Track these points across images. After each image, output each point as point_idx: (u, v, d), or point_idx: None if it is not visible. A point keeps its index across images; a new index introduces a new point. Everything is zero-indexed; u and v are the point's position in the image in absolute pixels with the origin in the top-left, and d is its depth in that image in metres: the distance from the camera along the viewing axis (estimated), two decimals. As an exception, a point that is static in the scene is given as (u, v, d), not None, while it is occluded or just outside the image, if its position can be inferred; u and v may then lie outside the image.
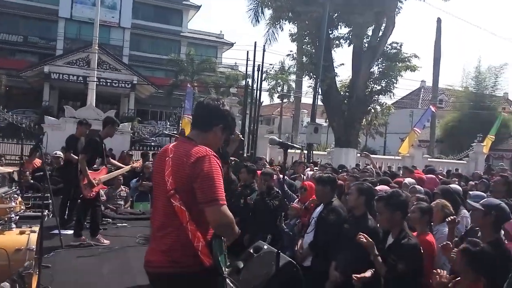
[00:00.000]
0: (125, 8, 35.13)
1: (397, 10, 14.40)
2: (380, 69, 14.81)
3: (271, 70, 16.43)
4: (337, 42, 14.84)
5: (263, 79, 17.66)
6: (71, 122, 14.02)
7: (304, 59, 15.00)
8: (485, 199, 3.35)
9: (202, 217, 2.09)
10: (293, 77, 28.31)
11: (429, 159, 19.13)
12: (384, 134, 30.58)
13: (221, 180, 2.12)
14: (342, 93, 15.40)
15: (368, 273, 3.31)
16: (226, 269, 2.21)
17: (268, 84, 16.69)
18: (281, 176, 6.41)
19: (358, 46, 14.27)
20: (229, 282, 2.18)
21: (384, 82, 14.54)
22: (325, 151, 20.04)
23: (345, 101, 14.88)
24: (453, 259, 2.93)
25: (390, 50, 14.70)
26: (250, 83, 15.70)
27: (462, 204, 4.90)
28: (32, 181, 8.47)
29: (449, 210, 3.97)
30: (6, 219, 3.94)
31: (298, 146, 3.29)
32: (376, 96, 15.51)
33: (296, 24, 14.81)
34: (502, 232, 3.22)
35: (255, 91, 15.78)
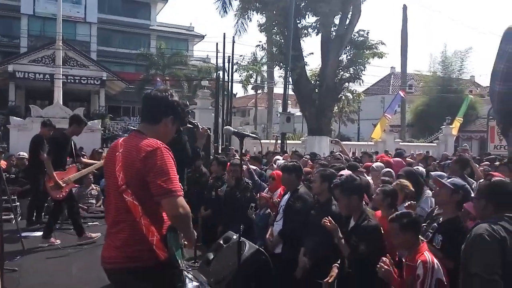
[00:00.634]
0: (90, 2, 34.16)
1: (363, -3, 14.54)
2: (349, 57, 14.98)
3: (241, 62, 16.30)
4: (305, 31, 14.90)
5: (235, 70, 17.60)
6: (38, 122, 13.58)
7: (273, 49, 15.00)
8: (452, 179, 3.43)
9: (156, 211, 2.08)
10: (265, 67, 28.32)
11: (400, 143, 19.55)
12: (358, 121, 31.03)
13: (175, 171, 2.11)
14: (312, 82, 15.51)
15: (334, 271, 3.38)
16: (184, 262, 2.21)
17: (240, 76, 16.66)
18: (251, 166, 6.46)
19: (326, 35, 14.38)
20: (187, 274, 2.18)
21: (353, 70, 14.70)
22: (299, 140, 20.24)
23: (316, 89, 14.99)
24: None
25: (357, 38, 14.88)
26: (221, 75, 15.68)
27: (426, 185, 5.08)
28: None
29: (408, 189, 4.08)
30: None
31: (254, 135, 3.28)
32: (346, 84, 15.72)
33: (264, 15, 14.78)
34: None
35: (227, 83, 15.77)
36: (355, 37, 14.91)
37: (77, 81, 28.56)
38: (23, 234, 6.49)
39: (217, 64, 16.55)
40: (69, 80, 27.88)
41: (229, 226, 5.59)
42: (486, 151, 17.61)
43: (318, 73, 15.64)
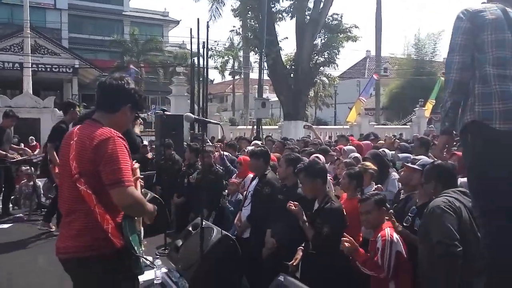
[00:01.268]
0: (59, -12, 33.11)
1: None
2: (323, 41, 15.00)
3: (215, 47, 16.13)
4: (279, 15, 14.81)
5: (210, 56, 17.41)
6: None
7: (248, 34, 14.88)
8: (421, 160, 3.50)
9: (110, 199, 2.05)
10: (242, 53, 28.13)
11: (375, 126, 19.86)
12: (334, 105, 31.30)
13: (127, 161, 2.08)
14: (288, 67, 15.50)
15: (299, 254, 3.44)
16: (141, 249, 2.20)
17: (215, 62, 16.48)
18: (222, 152, 6.46)
19: (300, 19, 14.34)
20: (145, 261, 2.18)
21: (327, 54, 14.74)
22: (276, 125, 20.30)
23: (291, 74, 15.00)
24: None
25: (332, 21, 14.88)
26: (196, 61, 15.46)
27: (393, 166, 5.19)
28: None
29: (372, 169, 4.16)
30: None
31: (214, 122, 3.26)
32: (322, 68, 15.77)
33: (238, -1, 14.62)
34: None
35: (203, 69, 15.57)
36: (329, 21, 14.92)
37: (48, 69, 27.78)
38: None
39: (191, 50, 16.28)
40: (40, 69, 27.08)
41: (200, 212, 5.66)
42: (458, 132, 18.02)
43: (293, 58, 15.61)
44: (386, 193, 4.08)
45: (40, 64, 27.00)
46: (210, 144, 6.62)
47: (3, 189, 6.96)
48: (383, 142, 8.16)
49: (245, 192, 4.77)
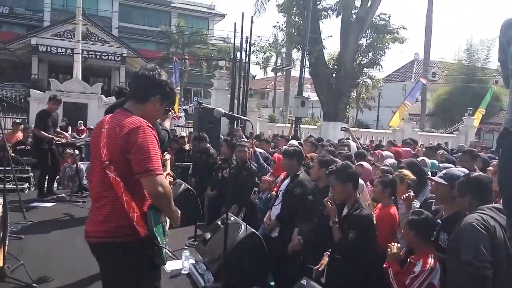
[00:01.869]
0: (113, -22, 34.26)
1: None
2: (368, 41, 14.65)
3: (258, 43, 16.12)
4: (325, 13, 14.58)
5: (252, 51, 17.44)
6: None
7: (292, 31, 14.76)
8: (446, 172, 3.34)
9: (138, 188, 2.09)
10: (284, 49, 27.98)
11: (419, 133, 19.24)
12: (377, 108, 30.56)
13: (157, 150, 2.11)
14: (330, 66, 15.26)
15: (325, 259, 3.40)
16: (165, 239, 2.23)
17: (256, 57, 16.44)
18: (256, 149, 6.46)
19: (346, 17, 14.06)
20: (167, 252, 2.20)
21: (372, 55, 14.38)
22: (315, 125, 20.09)
23: (333, 74, 14.76)
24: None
25: (378, 21, 14.49)
26: (239, 55, 15.52)
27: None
28: (13, 154, 8.42)
29: (410, 179, 4.00)
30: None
31: (244, 118, 3.23)
32: (366, 69, 15.42)
33: (283, -6, 14.54)
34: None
35: (244, 64, 15.63)
36: (376, 20, 14.53)
37: (98, 56, 28.90)
38: (34, 204, 6.73)
39: (234, 44, 16.39)
40: (90, 56, 28.23)
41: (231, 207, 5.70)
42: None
43: (337, 57, 15.34)
44: (422, 202, 3.95)
45: (90, 51, 28.14)
46: (246, 140, 6.63)
47: (49, 169, 7.27)
48: (419, 150, 7.87)
49: (276, 191, 4.74)
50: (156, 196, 2.07)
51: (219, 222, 4.50)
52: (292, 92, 31.50)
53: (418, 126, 22.59)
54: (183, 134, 8.91)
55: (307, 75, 15.47)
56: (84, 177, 8.35)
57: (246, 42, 15.52)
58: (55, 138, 7.09)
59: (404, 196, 3.72)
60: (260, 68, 25.06)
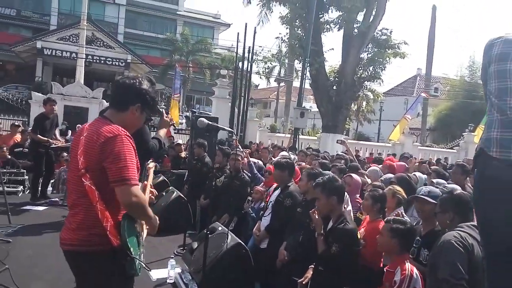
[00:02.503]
0: (120, -16, 34.60)
1: (388, -5, 14.20)
2: (369, 56, 14.71)
3: (260, 53, 16.23)
4: (327, 26, 14.67)
5: (257, 61, 17.53)
6: (59, 99, 13.89)
7: (294, 42, 14.84)
8: (429, 190, 3.33)
9: (113, 197, 2.08)
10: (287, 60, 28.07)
11: (419, 147, 19.20)
12: (379, 121, 30.56)
13: (133, 159, 2.10)
14: (331, 78, 15.32)
15: (309, 272, 3.39)
16: (139, 250, 2.21)
17: (257, 67, 16.49)
18: (251, 159, 6.45)
19: (348, 31, 14.15)
20: (141, 263, 2.18)
21: (372, 69, 14.44)
22: (315, 136, 20.08)
23: (334, 86, 14.81)
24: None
25: (380, 36, 14.57)
26: (247, 64, 15.59)
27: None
28: (9, 156, 8.44)
29: (401, 195, 3.98)
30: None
31: (228, 129, 3.22)
32: (367, 83, 15.47)
33: (287, 7, 14.63)
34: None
35: (246, 73, 15.71)
36: (377, 35, 14.61)
37: (102, 61, 29.09)
38: (26, 207, 6.72)
39: (236, 53, 16.48)
40: (94, 60, 28.41)
41: (221, 217, 5.69)
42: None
43: (337, 70, 15.40)
44: (411, 218, 3.93)
45: (95, 56, 28.33)
46: (240, 149, 6.63)
47: (43, 173, 7.28)
48: (417, 163, 7.83)
49: (266, 202, 4.73)
50: (129, 206, 2.06)
51: (207, 232, 4.46)
52: (293, 103, 31.60)
53: (419, 140, 22.56)
54: (180, 141, 8.92)
55: (308, 86, 15.52)
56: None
57: (249, 52, 15.62)
58: (50, 140, 7.10)
59: (396, 212, 3.71)
60: (260, 78, 25.13)
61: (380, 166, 6.98)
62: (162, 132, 3.40)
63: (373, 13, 14.10)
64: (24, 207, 6.66)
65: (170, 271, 4.27)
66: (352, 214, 4.22)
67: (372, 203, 3.73)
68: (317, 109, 20.65)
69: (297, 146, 12.66)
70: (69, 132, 13.55)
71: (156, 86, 2.55)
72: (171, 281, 4.24)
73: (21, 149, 8.99)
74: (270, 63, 16.88)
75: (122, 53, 29.83)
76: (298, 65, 16.35)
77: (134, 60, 30.45)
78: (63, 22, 31.96)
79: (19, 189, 7.65)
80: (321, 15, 14.55)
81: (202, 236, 4.52)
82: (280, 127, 29.54)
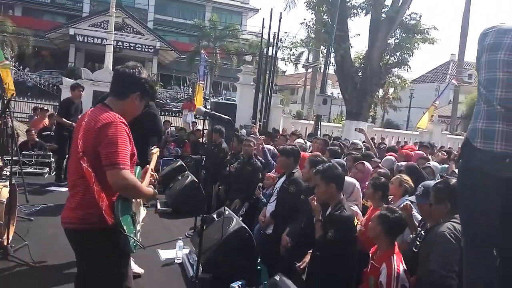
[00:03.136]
0: (151, -29, 34.95)
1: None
2: (397, 41, 14.33)
3: (285, 39, 16.05)
4: (354, 11, 14.35)
5: (282, 47, 17.40)
6: (88, 84, 14.36)
7: (319, 27, 14.62)
8: (422, 189, 3.27)
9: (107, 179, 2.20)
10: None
11: (447, 136, 18.69)
12: (409, 108, 29.82)
13: (126, 145, 2.20)
14: (357, 64, 15.05)
15: (307, 257, 3.46)
16: (135, 229, 2.33)
17: (282, 53, 16.30)
18: (265, 145, 6.51)
19: (375, 16, 13.80)
20: (135, 240, 2.30)
21: (399, 55, 14.08)
22: (340, 123, 19.86)
23: (359, 72, 14.55)
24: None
25: (409, 21, 14.13)
26: (271, 51, 15.51)
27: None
28: (37, 139, 8.83)
29: (408, 184, 3.96)
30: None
31: (225, 117, 3.27)
32: (395, 69, 15.12)
33: (312, -9, 14.41)
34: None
35: (271, 59, 15.63)
36: (406, 20, 14.17)
37: (132, 47, 29.65)
38: (51, 188, 7.06)
39: (262, 39, 16.43)
40: (124, 46, 29.00)
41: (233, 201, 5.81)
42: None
43: (363, 56, 15.10)
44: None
45: (125, 42, 28.90)
46: (254, 136, 6.71)
47: (67, 155, 7.60)
48: (441, 155, 7.65)
49: (272, 189, 4.79)
50: (119, 188, 2.18)
51: (214, 215, 4.59)
52: (319, 89, 31.21)
53: (449, 128, 21.93)
54: (199, 127, 9.07)
55: (333, 72, 15.33)
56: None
57: (274, 38, 15.52)
58: (74, 124, 7.38)
59: (404, 203, 3.69)
60: (285, 64, 24.90)
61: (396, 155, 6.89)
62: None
63: (402, -4, 13.70)
64: (49, 188, 6.99)
65: (178, 252, 4.44)
66: (361, 201, 4.22)
67: (373, 191, 3.75)
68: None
69: (319, 133, 12.58)
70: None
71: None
72: (179, 261, 4.42)
73: (48, 132, 9.40)
74: (295, 50, 16.61)
75: (151, 39, 30.29)
76: (324, 51, 16.08)
77: (163, 46, 30.87)
78: (95, 8, 32.68)
79: (45, 170, 8.02)
80: (348, 0, 14.27)
81: (209, 219, 4.66)
82: (307, 113, 29.34)
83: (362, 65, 14.79)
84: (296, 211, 4.13)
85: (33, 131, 8.89)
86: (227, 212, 4.49)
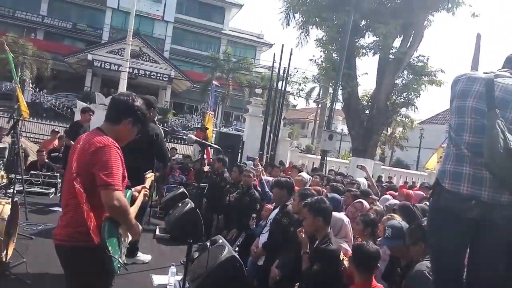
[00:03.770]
0: (169, 2, 36.22)
1: (426, 23, 14.08)
2: (403, 82, 14.58)
3: (295, 74, 16.40)
4: (362, 51, 14.71)
5: (291, 82, 17.78)
6: (101, 109, 14.67)
7: (328, 65, 14.97)
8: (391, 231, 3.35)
9: (98, 200, 2.34)
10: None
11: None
12: (419, 148, 29.77)
13: (119, 168, 2.36)
14: (364, 102, 15.28)
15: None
16: (119, 251, 2.44)
17: (291, 88, 16.63)
18: (263, 177, 6.63)
19: (383, 56, 14.11)
20: (119, 260, 2.40)
21: (406, 95, 14.30)
22: (348, 159, 19.90)
23: (366, 111, 14.76)
24: None
25: (417, 63, 14.42)
26: (281, 85, 15.87)
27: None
28: (46, 160, 9.07)
29: None
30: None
31: (215, 146, 3.41)
32: (404, 109, 15.33)
33: (323, 30, 14.83)
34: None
35: (280, 92, 15.97)
36: (414, 62, 14.47)
37: (147, 75, 30.46)
38: (54, 208, 7.20)
39: (272, 74, 16.84)
40: (140, 74, 29.81)
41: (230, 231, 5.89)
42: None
43: (371, 94, 15.35)
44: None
45: (140, 69, 29.73)
46: (253, 167, 6.84)
47: None
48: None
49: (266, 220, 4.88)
50: (111, 208, 2.31)
51: (208, 243, 4.67)
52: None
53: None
54: (204, 156, 9.24)
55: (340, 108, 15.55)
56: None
57: (284, 73, 15.92)
58: None
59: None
60: (294, 99, 25.27)
61: (396, 194, 6.95)
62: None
63: (410, 39, 14.02)
64: (52, 208, 7.14)
65: (170, 278, 4.49)
66: (351, 238, 4.28)
67: (363, 227, 3.82)
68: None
69: (324, 168, 12.66)
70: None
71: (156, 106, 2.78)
72: (171, 287, 4.46)
73: (57, 153, 9.64)
74: (304, 85, 16.94)
75: (167, 68, 31.11)
76: (332, 87, 16.39)
77: (177, 76, 31.63)
78: (114, 36, 33.80)
79: (51, 191, 8.20)
80: (357, 40, 14.63)
81: (202, 247, 4.75)
82: (315, 148, 29.47)
83: (369, 103, 15.00)
84: (288, 243, 4.20)
85: (44, 152, 9.14)
86: (220, 241, 4.58)
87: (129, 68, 22.25)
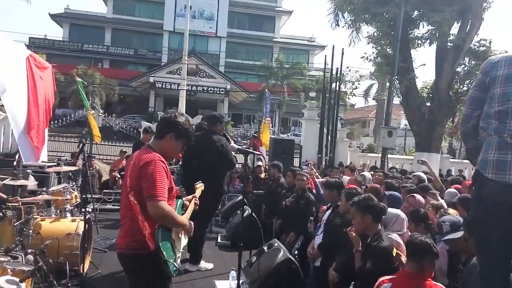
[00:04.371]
0: (221, 18, 37.38)
1: (485, 4, 13.25)
2: (466, 69, 13.81)
3: (347, 73, 16.13)
4: (418, 41, 14.18)
5: (344, 81, 17.55)
6: (162, 127, 15.51)
7: (381, 60, 14.60)
8: (448, 227, 3.21)
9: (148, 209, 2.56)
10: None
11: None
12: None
13: (164, 180, 2.56)
14: (424, 94, 14.68)
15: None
16: (174, 255, 2.64)
17: (344, 87, 16.33)
18: (317, 179, 6.64)
19: (441, 45, 13.51)
20: (174, 264, 2.60)
21: (469, 83, 13.51)
22: (412, 155, 19.17)
23: (427, 103, 14.16)
24: None
25: (478, 47, 13.60)
26: (335, 85, 15.75)
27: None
28: (117, 178, 9.75)
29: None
30: (62, 209, 4.84)
31: (258, 153, 3.49)
32: (464, 98, 14.47)
33: (374, 26, 14.52)
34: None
35: (335, 93, 15.83)
36: (475, 47, 13.67)
37: (205, 90, 31.57)
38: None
39: (324, 75, 16.77)
40: (198, 90, 31.01)
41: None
42: None
43: (431, 86, 14.70)
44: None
45: (198, 86, 30.91)
46: (306, 170, 6.87)
47: None
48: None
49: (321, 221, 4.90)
50: (157, 217, 2.52)
51: (265, 247, 4.80)
52: (392, 121, 30.37)
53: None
54: (260, 163, 9.42)
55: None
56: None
57: (337, 73, 15.78)
58: None
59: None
60: (348, 98, 24.61)
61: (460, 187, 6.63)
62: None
63: (469, 24, 13.29)
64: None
65: (231, 282, 4.67)
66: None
67: (415, 225, 3.73)
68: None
69: (386, 166, 12.31)
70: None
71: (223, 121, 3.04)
72: (232, 291, 4.65)
73: (124, 172, 10.32)
74: (358, 83, 16.60)
75: (223, 82, 32.04)
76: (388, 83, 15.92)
77: (233, 88, 32.43)
78: (172, 57, 35.45)
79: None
80: (411, 31, 14.14)
81: (260, 251, 4.88)
82: (377, 146, 28.65)
83: (429, 95, 14.39)
84: (342, 243, 4.20)
85: (116, 171, 9.84)
86: (276, 244, 4.69)
87: (188, 85, 23.31)
